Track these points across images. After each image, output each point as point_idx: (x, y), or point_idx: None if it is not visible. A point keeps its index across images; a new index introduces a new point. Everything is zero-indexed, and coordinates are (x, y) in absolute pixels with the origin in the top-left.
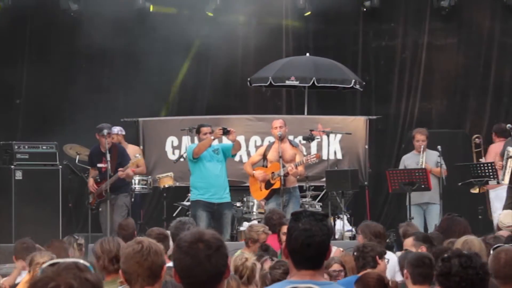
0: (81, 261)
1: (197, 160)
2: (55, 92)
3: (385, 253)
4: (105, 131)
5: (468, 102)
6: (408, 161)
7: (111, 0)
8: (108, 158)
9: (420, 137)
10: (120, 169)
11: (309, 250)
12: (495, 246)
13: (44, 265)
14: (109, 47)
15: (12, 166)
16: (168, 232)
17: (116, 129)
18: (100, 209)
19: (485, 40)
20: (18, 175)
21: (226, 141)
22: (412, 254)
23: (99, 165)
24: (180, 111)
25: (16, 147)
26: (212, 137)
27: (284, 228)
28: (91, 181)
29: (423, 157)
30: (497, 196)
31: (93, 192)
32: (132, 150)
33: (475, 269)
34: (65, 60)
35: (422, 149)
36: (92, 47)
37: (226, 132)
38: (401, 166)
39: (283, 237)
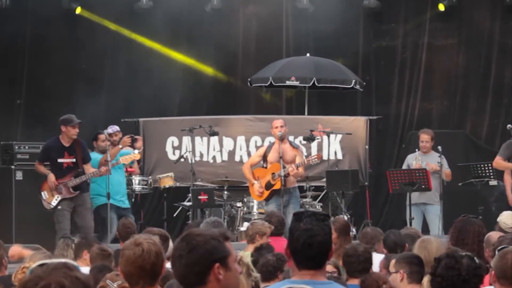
0: (69, 261)
1: None
2: (55, 92)
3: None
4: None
5: (468, 102)
6: (411, 160)
7: (112, 0)
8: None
9: (424, 137)
10: (103, 167)
11: (310, 250)
12: (500, 247)
13: (33, 266)
14: (110, 47)
15: (13, 167)
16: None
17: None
18: (59, 206)
19: (485, 40)
20: (19, 175)
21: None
22: (404, 255)
23: (60, 160)
24: (181, 111)
25: (16, 147)
26: (120, 146)
27: None
28: (52, 177)
29: (417, 159)
30: None
31: (53, 189)
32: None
33: (458, 270)
34: (66, 60)
35: (425, 150)
36: (92, 47)
37: (134, 140)
38: (404, 166)
39: None
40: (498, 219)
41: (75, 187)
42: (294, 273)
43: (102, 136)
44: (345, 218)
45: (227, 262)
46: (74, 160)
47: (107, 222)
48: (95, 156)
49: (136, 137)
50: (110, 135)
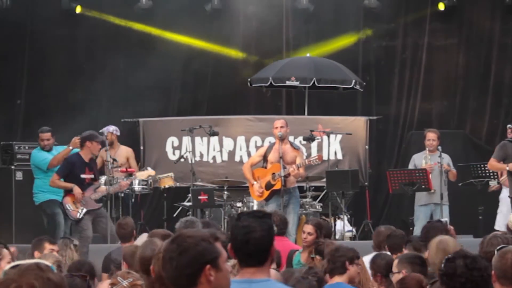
0: (42, 261)
1: (49, 169)
2: (55, 92)
3: (357, 258)
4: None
5: (468, 103)
6: (418, 160)
7: (112, 0)
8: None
9: (430, 135)
10: (123, 182)
11: (248, 247)
12: (500, 247)
13: (6, 268)
14: (110, 47)
15: (13, 167)
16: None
17: (112, 128)
18: (83, 216)
19: (485, 40)
20: (19, 175)
21: None
22: (406, 255)
23: (83, 176)
24: (181, 111)
25: (16, 147)
26: (70, 147)
27: (305, 227)
28: (79, 189)
29: (426, 158)
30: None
31: (79, 200)
32: (125, 152)
33: (480, 270)
34: (66, 60)
35: (432, 149)
36: (92, 47)
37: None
38: (410, 165)
39: (302, 236)
40: (509, 219)
41: (98, 200)
42: (238, 272)
43: (41, 135)
44: (345, 218)
45: (218, 263)
46: (93, 176)
47: (56, 218)
48: (45, 155)
49: None
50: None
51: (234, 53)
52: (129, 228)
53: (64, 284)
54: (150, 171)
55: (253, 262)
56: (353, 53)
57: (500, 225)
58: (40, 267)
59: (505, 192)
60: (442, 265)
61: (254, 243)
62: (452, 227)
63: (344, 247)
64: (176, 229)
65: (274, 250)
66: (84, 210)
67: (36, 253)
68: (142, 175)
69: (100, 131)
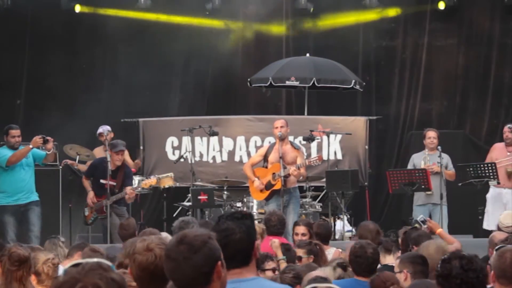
0: (103, 261)
1: (8, 167)
2: (55, 92)
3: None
4: (121, 147)
5: (468, 103)
6: (417, 160)
7: (113, 1)
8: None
9: (430, 134)
10: (129, 188)
11: (227, 250)
12: (498, 246)
13: (67, 266)
14: (109, 47)
15: None
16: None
17: (106, 127)
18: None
19: (485, 40)
20: None
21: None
22: (407, 255)
23: (102, 181)
24: (181, 111)
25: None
26: (31, 146)
27: (297, 229)
28: (91, 194)
29: (425, 159)
30: (494, 197)
31: (92, 206)
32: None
33: (476, 272)
34: (66, 60)
35: (432, 147)
36: (92, 47)
37: (45, 141)
38: (409, 165)
39: (296, 238)
40: (499, 219)
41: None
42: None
43: (13, 132)
44: (345, 218)
45: (222, 259)
46: (115, 184)
47: (4, 226)
48: (5, 152)
49: (48, 138)
50: (100, 134)
51: (234, 53)
52: (131, 229)
53: (125, 285)
54: (151, 180)
55: (237, 263)
56: (353, 53)
57: (489, 224)
58: (103, 267)
59: (491, 192)
60: (438, 266)
61: (233, 245)
62: (428, 221)
63: (363, 257)
64: (172, 228)
65: (257, 248)
66: (96, 216)
67: (76, 256)
68: (146, 184)
69: (98, 132)
